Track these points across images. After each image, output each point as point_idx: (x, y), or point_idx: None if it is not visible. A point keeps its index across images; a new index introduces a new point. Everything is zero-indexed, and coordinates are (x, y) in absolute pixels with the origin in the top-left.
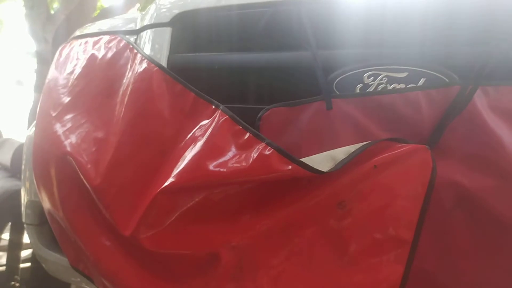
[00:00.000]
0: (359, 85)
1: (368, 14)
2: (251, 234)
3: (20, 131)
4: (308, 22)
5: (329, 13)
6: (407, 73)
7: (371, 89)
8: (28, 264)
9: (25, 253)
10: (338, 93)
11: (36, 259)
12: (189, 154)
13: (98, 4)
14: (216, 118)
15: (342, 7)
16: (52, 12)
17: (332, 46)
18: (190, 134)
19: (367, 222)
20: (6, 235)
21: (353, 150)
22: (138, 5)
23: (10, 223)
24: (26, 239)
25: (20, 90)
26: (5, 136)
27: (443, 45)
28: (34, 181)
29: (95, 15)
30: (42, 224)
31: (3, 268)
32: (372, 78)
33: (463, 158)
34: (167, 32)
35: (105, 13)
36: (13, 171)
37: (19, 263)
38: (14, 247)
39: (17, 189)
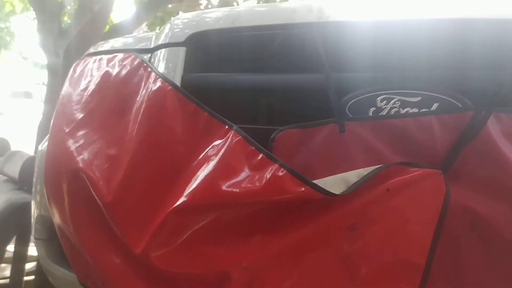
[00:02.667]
0: (372, 109)
1: (381, 38)
2: (262, 255)
3: (29, 143)
4: (321, 45)
5: (342, 36)
6: (420, 98)
7: (384, 112)
8: (32, 277)
9: (29, 265)
10: (351, 116)
11: (40, 273)
12: (201, 174)
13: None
14: (229, 139)
15: (356, 31)
16: (63, 26)
17: (345, 69)
18: (203, 154)
19: (379, 245)
20: (10, 247)
21: (365, 173)
22: (145, 22)
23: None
24: (30, 251)
25: (29, 102)
26: (13, 148)
27: (456, 70)
28: (45, 195)
29: (105, 30)
30: (51, 239)
31: (7, 280)
32: (385, 101)
33: (476, 184)
34: (181, 51)
35: (115, 29)
36: (21, 183)
37: (23, 276)
38: (18, 259)
39: (24, 202)
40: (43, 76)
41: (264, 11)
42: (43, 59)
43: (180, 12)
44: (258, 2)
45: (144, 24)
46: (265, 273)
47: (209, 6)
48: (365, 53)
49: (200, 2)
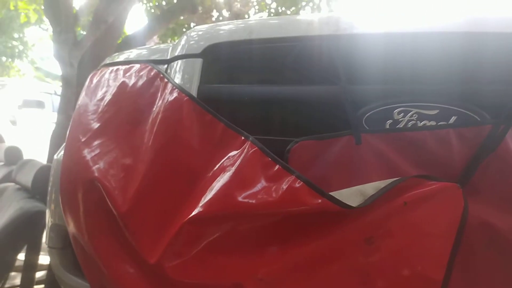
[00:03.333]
0: (389, 121)
1: (399, 51)
2: (278, 267)
3: (41, 152)
4: (337, 57)
5: (358, 49)
6: (438, 111)
7: (401, 125)
8: (42, 286)
9: (39, 274)
10: (367, 128)
11: (50, 281)
12: (217, 184)
13: None
14: (246, 149)
15: (372, 43)
16: (78, 37)
17: (362, 82)
18: (219, 165)
19: (395, 259)
20: (20, 256)
21: (382, 186)
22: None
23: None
24: (40, 260)
25: (41, 111)
26: (25, 157)
27: (474, 83)
28: (60, 204)
29: (119, 42)
30: (65, 248)
31: None
32: (402, 114)
33: (495, 198)
34: (197, 63)
35: (128, 41)
36: (34, 192)
37: (33, 285)
38: (29, 268)
39: (37, 211)
40: (55, 86)
41: (281, 24)
42: (55, 69)
43: (192, 24)
44: (269, 15)
45: (156, 36)
46: (280, 285)
47: (220, 18)
48: (381, 66)
49: (211, 14)
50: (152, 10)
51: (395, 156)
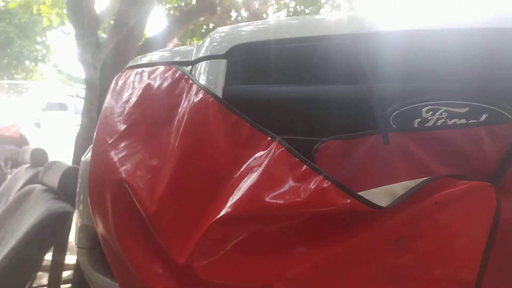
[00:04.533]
0: (417, 120)
1: (427, 48)
2: (306, 267)
3: (64, 154)
4: (364, 56)
5: (385, 47)
6: (468, 109)
7: (430, 123)
8: (68, 286)
9: (65, 274)
10: (395, 127)
11: (76, 281)
12: (245, 185)
13: None
14: (272, 150)
15: (399, 41)
16: (100, 40)
17: (389, 80)
18: (246, 165)
19: (426, 260)
20: (47, 256)
21: (412, 186)
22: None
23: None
24: (67, 260)
25: (63, 114)
26: (50, 159)
27: (505, 80)
28: (89, 205)
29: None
30: (94, 248)
31: None
32: (431, 112)
33: None
34: (222, 64)
35: (148, 43)
36: (60, 193)
37: (60, 284)
38: (56, 268)
39: (63, 212)
40: (77, 88)
41: (305, 23)
42: (77, 72)
43: (211, 25)
44: (288, 14)
45: (175, 37)
46: (309, 285)
47: (239, 18)
48: (408, 64)
49: (230, 14)
50: (172, 12)
51: (424, 155)
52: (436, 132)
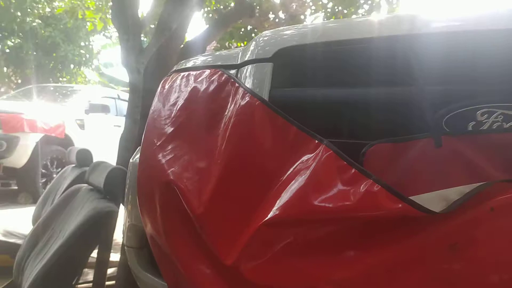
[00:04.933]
0: (472, 123)
1: (480, 49)
2: (354, 272)
3: (107, 154)
4: (414, 57)
5: (437, 48)
6: None
7: (485, 127)
8: (112, 282)
9: (110, 271)
10: (447, 130)
11: (120, 278)
12: (292, 188)
13: None
14: (320, 153)
15: (452, 41)
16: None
17: (440, 82)
18: (293, 168)
19: (482, 268)
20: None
21: (467, 191)
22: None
23: None
24: (111, 258)
25: (106, 116)
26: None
27: None
28: (138, 206)
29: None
30: (142, 247)
31: (90, 284)
32: (486, 115)
33: None
34: (268, 67)
35: (189, 46)
36: (105, 193)
37: (105, 281)
38: (101, 265)
39: (109, 211)
40: (118, 91)
41: (352, 25)
42: (118, 75)
43: (249, 27)
44: (326, 15)
45: (214, 40)
46: None
47: (276, 20)
48: (461, 65)
49: (268, 16)
50: (210, 15)
51: (479, 159)
52: (492, 136)
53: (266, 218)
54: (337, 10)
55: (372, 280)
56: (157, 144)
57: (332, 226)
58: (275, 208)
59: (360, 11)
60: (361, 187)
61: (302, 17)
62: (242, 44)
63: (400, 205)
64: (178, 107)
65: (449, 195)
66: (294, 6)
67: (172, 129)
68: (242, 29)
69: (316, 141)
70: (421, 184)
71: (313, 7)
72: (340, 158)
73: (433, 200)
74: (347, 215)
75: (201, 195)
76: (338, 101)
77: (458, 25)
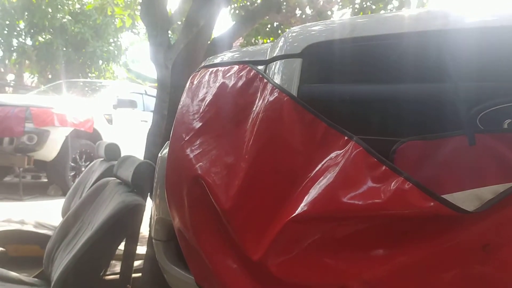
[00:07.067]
0: (508, 121)
1: None
2: (384, 270)
3: (135, 148)
4: (447, 53)
5: (472, 44)
6: None
7: None
8: (139, 274)
9: (136, 263)
10: (482, 128)
11: (147, 270)
12: (321, 184)
13: None
14: (350, 150)
15: (487, 37)
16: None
17: (475, 79)
18: (321, 164)
19: None
20: (120, 246)
21: (502, 190)
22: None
23: None
24: (138, 250)
25: (133, 111)
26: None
27: None
28: (166, 200)
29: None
30: (169, 240)
31: (117, 276)
32: None
33: None
34: (297, 63)
35: (216, 42)
36: (133, 186)
37: (131, 273)
38: (128, 257)
39: (136, 204)
40: (146, 86)
41: (384, 20)
42: (145, 70)
43: (275, 23)
44: (353, 11)
45: (241, 37)
46: None
47: (303, 16)
48: (497, 61)
49: (295, 12)
50: (237, 11)
51: None
52: None
53: (294, 214)
54: (365, 5)
55: (402, 280)
56: (186, 139)
57: (361, 224)
58: (303, 204)
59: (389, 6)
60: (392, 185)
61: (329, 13)
62: (268, 41)
63: (432, 204)
64: (207, 102)
65: (483, 194)
66: (321, 2)
67: (200, 124)
68: (269, 26)
69: (346, 138)
70: (454, 183)
71: (340, 3)
72: (370, 155)
73: (466, 199)
74: (377, 213)
75: (229, 190)
76: (368, 97)
77: (492, 20)
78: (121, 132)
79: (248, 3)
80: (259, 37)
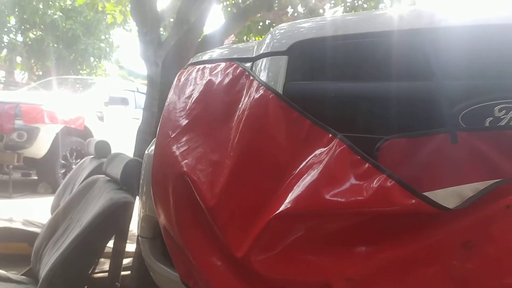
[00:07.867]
0: (489, 119)
1: (499, 43)
2: (366, 267)
3: (126, 146)
4: (431, 51)
5: (454, 42)
6: None
7: (503, 123)
8: (128, 272)
9: (126, 261)
10: (464, 126)
11: (136, 268)
12: (304, 182)
13: None
14: (333, 147)
15: (471, 36)
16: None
17: (458, 77)
18: (305, 162)
19: (496, 266)
20: (109, 243)
21: (482, 188)
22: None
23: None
24: (127, 248)
25: (125, 108)
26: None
27: None
28: (152, 197)
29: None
30: (155, 238)
31: (106, 274)
32: (504, 111)
33: None
34: (283, 60)
35: (207, 39)
36: (122, 184)
37: (120, 271)
38: (117, 255)
39: (125, 202)
40: (137, 84)
41: (368, 19)
42: (137, 68)
43: (267, 21)
44: (345, 9)
45: (232, 34)
46: (369, 286)
47: (295, 14)
48: (479, 60)
49: (287, 10)
50: (229, 9)
51: (495, 156)
52: (509, 132)
53: (277, 211)
54: (356, 4)
55: (384, 276)
56: (172, 136)
57: (344, 220)
58: (286, 201)
59: (381, 5)
60: (374, 182)
61: (321, 11)
62: (260, 38)
63: (413, 201)
64: (193, 99)
65: (464, 191)
66: (313, 0)
67: (186, 121)
68: (261, 23)
69: (330, 135)
70: (436, 180)
71: (332, 1)
72: (354, 152)
73: (447, 197)
74: (360, 210)
75: (214, 187)
76: (353, 95)
77: (476, 19)
78: (112, 130)
79: (240, 1)
80: (251, 34)
